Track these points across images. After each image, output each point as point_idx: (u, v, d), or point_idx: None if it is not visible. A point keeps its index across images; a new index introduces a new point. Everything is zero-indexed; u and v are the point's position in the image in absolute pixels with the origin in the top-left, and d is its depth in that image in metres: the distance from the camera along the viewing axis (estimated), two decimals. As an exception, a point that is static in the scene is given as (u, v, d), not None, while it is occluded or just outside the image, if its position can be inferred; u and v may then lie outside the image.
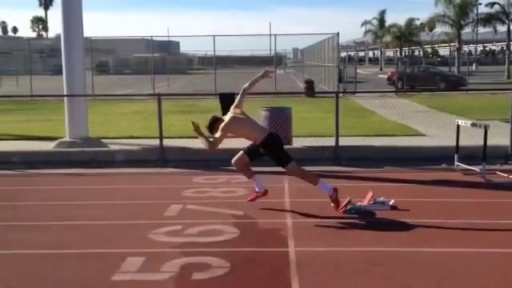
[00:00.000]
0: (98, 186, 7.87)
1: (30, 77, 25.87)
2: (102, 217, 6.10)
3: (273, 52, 28.76)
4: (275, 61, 28.71)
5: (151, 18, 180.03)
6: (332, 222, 5.71)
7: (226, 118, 6.22)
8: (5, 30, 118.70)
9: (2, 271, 4.57)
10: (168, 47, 45.37)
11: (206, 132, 6.26)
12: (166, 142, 9.55)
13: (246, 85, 6.53)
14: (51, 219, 6.05)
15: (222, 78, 26.54)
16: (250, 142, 6.33)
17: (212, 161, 8.58)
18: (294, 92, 23.47)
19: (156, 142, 9.56)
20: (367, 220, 5.81)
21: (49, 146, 10.12)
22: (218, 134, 6.10)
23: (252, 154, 6.29)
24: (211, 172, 8.36)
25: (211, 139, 6.15)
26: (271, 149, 6.12)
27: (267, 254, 4.90)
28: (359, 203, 6.17)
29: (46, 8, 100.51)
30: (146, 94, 20.47)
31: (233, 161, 6.39)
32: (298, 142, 9.70)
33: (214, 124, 6.24)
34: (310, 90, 22.50)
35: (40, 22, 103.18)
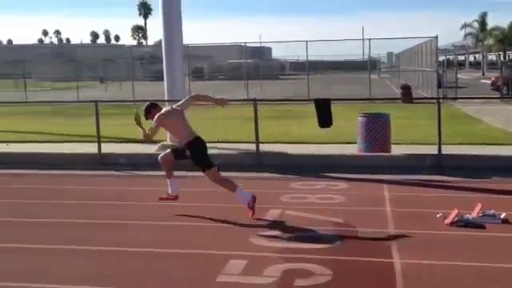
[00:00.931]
0: (198, 189, 8.06)
1: (132, 82, 27.18)
2: (203, 219, 6.25)
3: (366, 57, 28.29)
4: (369, 65, 28.18)
5: (244, 25, 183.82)
6: (437, 234, 5.47)
7: (163, 110, 6.44)
8: (108, 39, 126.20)
9: (113, 267, 4.81)
10: (260, 53, 45.99)
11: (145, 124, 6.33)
12: (262, 147, 9.66)
13: (200, 94, 6.90)
14: (157, 219, 6.30)
15: (314, 84, 26.45)
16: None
17: (309, 166, 8.55)
18: (389, 98, 22.87)
19: (252, 146, 9.69)
20: (476, 233, 5.51)
21: (152, 148, 10.56)
22: (153, 125, 6.32)
23: (178, 154, 6.47)
24: (308, 178, 8.33)
25: (148, 131, 6.32)
26: (195, 151, 6.34)
27: (370, 264, 4.79)
28: (467, 215, 5.87)
29: (146, 17, 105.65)
30: (241, 100, 20.82)
31: (159, 156, 6.60)
32: (397, 150, 9.43)
33: (149, 110, 6.44)
34: (406, 95, 21.79)
35: (140, 31, 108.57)
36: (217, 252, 5.09)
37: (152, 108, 6.47)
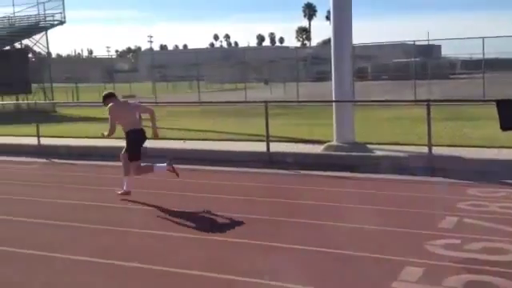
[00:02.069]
0: (363, 191, 7.91)
1: (296, 83, 27.67)
2: (380, 222, 6.08)
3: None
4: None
5: (409, 23, 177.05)
6: None
7: (117, 101, 7.59)
8: (273, 41, 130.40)
9: (269, 262, 4.90)
10: (428, 51, 43.84)
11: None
12: (435, 150, 9.15)
13: (151, 113, 7.80)
14: (324, 218, 6.29)
15: (491, 83, 24.45)
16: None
17: (489, 172, 7.90)
18: None
19: (421, 149, 9.22)
20: None
21: (317, 148, 10.62)
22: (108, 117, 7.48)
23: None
24: (487, 184, 7.68)
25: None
26: (130, 139, 7.39)
27: None
28: None
29: (310, 18, 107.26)
30: (411, 100, 20.04)
31: (120, 154, 7.53)
32: None
33: (105, 98, 7.63)
34: None
35: (304, 32, 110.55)
36: (391, 257, 4.91)
37: (107, 98, 7.62)
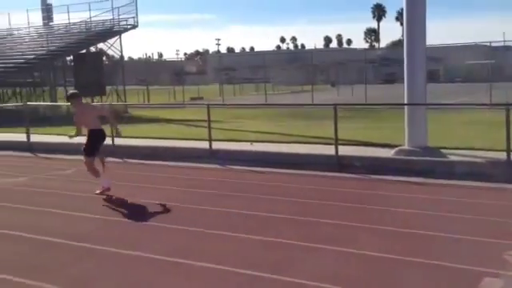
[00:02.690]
0: (439, 197, 7.65)
1: (364, 86, 27.23)
2: (457, 230, 5.87)
3: None
4: None
5: (483, 24, 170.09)
6: None
7: (82, 104, 8.43)
8: (340, 43, 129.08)
9: (341, 267, 4.81)
10: (505, 52, 41.94)
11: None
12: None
13: (107, 114, 8.79)
14: (398, 225, 6.13)
15: None
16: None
17: None
18: None
19: (499, 154, 8.81)
20: None
21: (387, 153, 10.38)
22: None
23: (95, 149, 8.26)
24: None
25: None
26: (89, 137, 8.18)
27: None
28: None
29: (379, 20, 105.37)
30: (489, 104, 19.19)
31: (83, 162, 8.27)
32: None
33: (69, 98, 8.44)
34: None
35: (372, 33, 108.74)
36: (468, 267, 4.71)
37: (72, 98, 8.36)
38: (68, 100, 8.64)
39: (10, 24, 34.09)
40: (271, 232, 5.97)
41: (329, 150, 10.48)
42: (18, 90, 31.32)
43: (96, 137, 8.27)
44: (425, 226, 6.10)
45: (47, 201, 7.95)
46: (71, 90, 9.55)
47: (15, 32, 33.79)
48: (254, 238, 5.77)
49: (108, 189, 8.13)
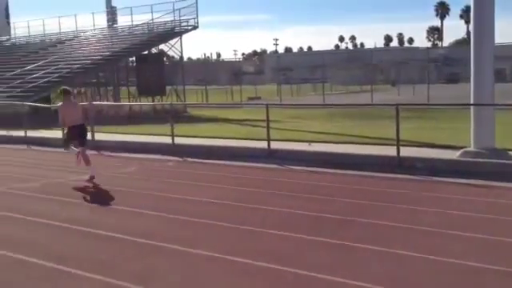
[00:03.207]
0: (506, 201, 7.31)
1: (427, 85, 26.49)
2: None
3: None
4: None
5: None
6: None
7: (67, 100, 9.64)
8: (401, 42, 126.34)
9: (391, 270, 4.65)
10: None
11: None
12: None
13: (84, 112, 9.80)
14: (456, 228, 5.90)
15: None
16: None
17: None
18: None
19: None
20: None
21: (451, 154, 10.03)
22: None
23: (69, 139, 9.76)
24: None
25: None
26: (69, 131, 9.59)
27: None
28: None
29: (442, 18, 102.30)
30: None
31: (76, 153, 9.72)
32: None
33: (60, 93, 10.10)
34: None
35: (435, 32, 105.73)
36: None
37: (61, 94, 9.84)
38: (61, 94, 9.89)
39: (76, 27, 35.44)
40: (326, 232, 5.89)
41: (389, 151, 10.25)
42: (82, 90, 32.50)
43: (74, 131, 9.53)
44: (491, 230, 5.82)
45: (111, 197, 8.17)
46: (63, 87, 10.66)
47: (81, 34, 35.07)
48: (308, 239, 5.69)
49: (93, 177, 9.24)
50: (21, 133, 16.28)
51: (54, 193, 8.46)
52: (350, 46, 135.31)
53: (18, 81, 23.86)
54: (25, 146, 15.25)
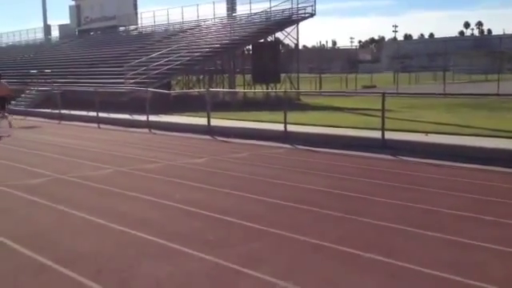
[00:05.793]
0: None
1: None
2: None
3: None
4: None
5: None
6: None
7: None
8: None
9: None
10: None
11: None
12: None
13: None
14: None
15: None
16: None
17: None
18: None
19: None
20: None
21: None
22: None
23: None
24: None
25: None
26: None
27: None
28: None
29: None
30: None
31: None
32: None
33: None
34: None
35: None
36: None
37: None
38: None
39: (198, 16, 36.79)
40: (450, 230, 5.51)
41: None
42: (201, 77, 33.72)
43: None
44: None
45: (223, 181, 8.36)
46: None
47: (202, 23, 36.32)
48: (434, 236, 5.36)
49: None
50: (143, 117, 17.27)
51: (172, 175, 8.83)
52: (476, 33, 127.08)
53: (143, 68, 25.24)
54: (146, 130, 16.17)
